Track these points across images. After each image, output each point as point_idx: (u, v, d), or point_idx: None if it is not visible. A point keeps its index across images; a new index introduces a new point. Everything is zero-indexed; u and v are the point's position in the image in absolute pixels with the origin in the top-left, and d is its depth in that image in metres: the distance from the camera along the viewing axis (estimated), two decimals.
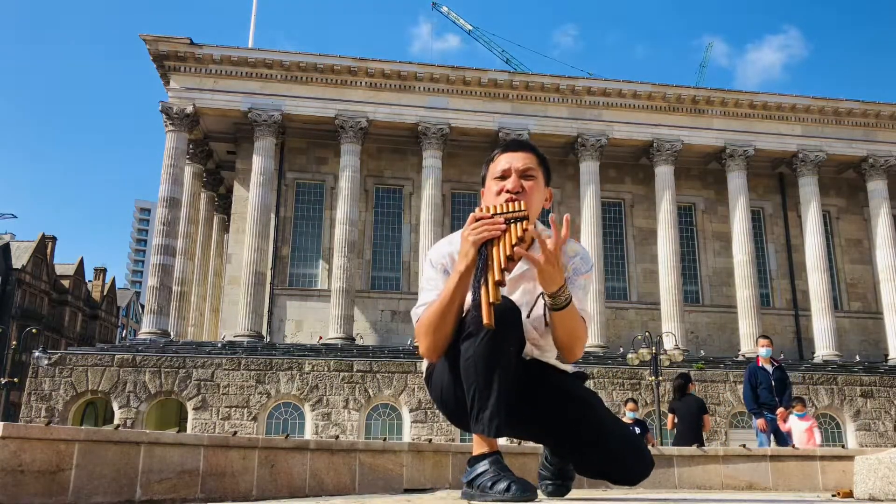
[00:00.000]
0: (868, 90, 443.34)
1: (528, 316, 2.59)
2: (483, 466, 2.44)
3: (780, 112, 32.49)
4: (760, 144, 32.06)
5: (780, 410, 10.39)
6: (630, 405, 12.81)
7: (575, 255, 2.63)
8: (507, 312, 2.40)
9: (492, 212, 2.44)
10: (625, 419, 11.98)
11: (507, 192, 2.53)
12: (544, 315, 2.55)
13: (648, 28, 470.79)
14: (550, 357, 2.70)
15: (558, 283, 2.39)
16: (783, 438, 10.49)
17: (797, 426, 11.27)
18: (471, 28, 64.08)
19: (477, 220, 2.40)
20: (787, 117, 32.54)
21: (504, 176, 2.59)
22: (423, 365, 2.76)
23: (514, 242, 2.36)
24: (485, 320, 2.27)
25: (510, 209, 2.44)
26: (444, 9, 63.76)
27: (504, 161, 2.61)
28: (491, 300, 2.27)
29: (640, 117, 31.66)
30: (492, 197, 2.59)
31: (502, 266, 2.31)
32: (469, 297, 2.40)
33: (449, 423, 2.76)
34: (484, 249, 2.36)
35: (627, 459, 2.56)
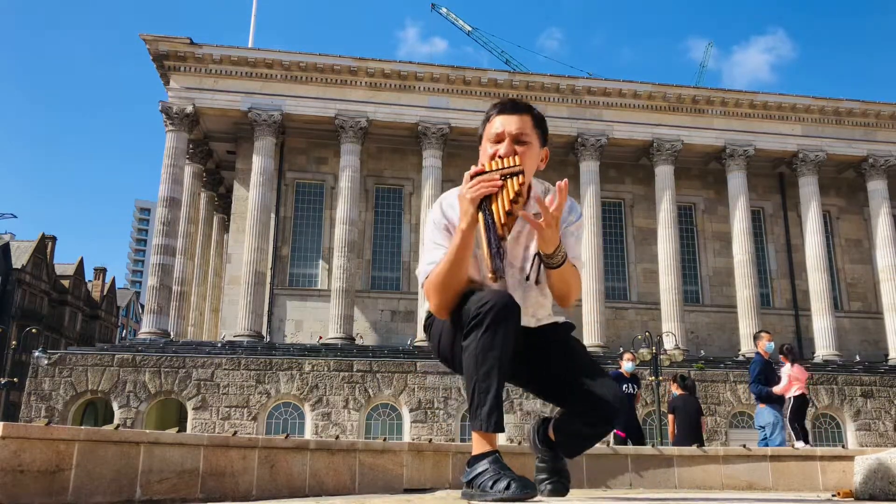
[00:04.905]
0: (859, 89, 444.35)
1: (528, 277, 2.67)
2: (483, 466, 2.45)
3: (780, 112, 32.48)
4: (760, 144, 32.05)
5: None
6: (628, 355, 12.48)
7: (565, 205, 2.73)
8: (508, 308, 2.45)
9: (487, 168, 2.49)
10: (622, 370, 11.92)
11: (500, 157, 2.57)
12: (538, 271, 2.64)
13: (633, 31, 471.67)
14: (545, 314, 2.77)
15: (555, 245, 2.50)
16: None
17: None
18: (470, 29, 64.02)
19: (473, 178, 2.46)
20: (787, 117, 32.53)
21: (498, 140, 2.62)
22: (421, 313, 2.86)
23: (511, 197, 2.43)
24: (489, 276, 2.46)
25: (506, 164, 2.49)
26: (444, 10, 63.67)
27: (499, 124, 2.64)
28: (492, 259, 2.42)
29: (640, 117, 31.64)
30: (486, 157, 2.64)
31: (502, 221, 2.41)
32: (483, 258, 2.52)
33: (447, 367, 2.83)
34: (483, 205, 2.43)
35: (609, 401, 2.63)
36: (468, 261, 2.52)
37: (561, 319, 2.82)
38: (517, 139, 2.60)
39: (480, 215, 2.43)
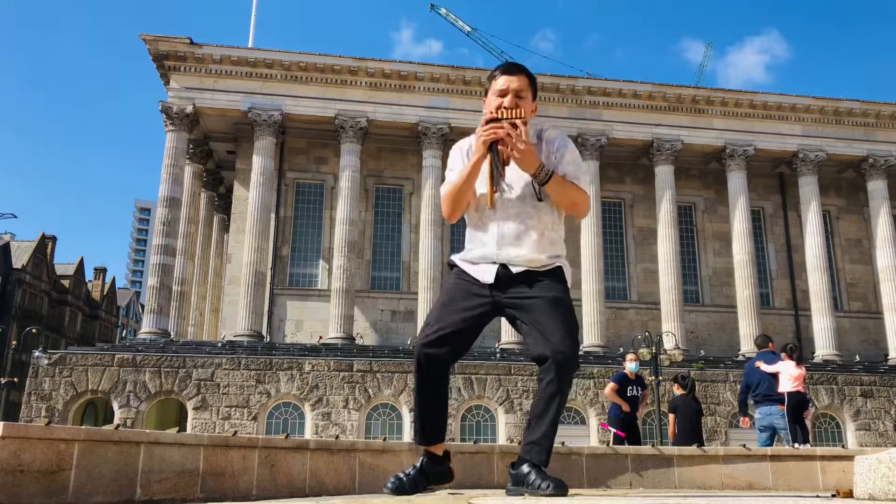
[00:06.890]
0: (855, 89, 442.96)
1: (537, 195, 3.16)
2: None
3: (781, 112, 32.47)
4: (760, 144, 32.04)
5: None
6: (631, 356, 12.44)
7: (552, 140, 3.24)
8: (428, 358, 3.06)
9: (498, 116, 3.10)
10: (626, 371, 11.84)
11: (505, 108, 3.13)
12: (538, 189, 3.14)
13: (627, 32, 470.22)
14: (536, 257, 3.13)
15: (534, 166, 3.05)
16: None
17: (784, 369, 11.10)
18: (470, 30, 63.97)
19: (487, 123, 3.08)
20: (788, 117, 32.52)
21: (502, 94, 3.19)
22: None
23: (516, 141, 3.04)
24: (488, 203, 3.09)
25: (513, 115, 3.09)
26: (443, 10, 63.60)
27: (503, 81, 3.21)
28: (494, 189, 3.09)
29: (640, 117, 31.63)
30: (493, 107, 3.19)
31: (505, 157, 3.08)
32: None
33: None
34: (492, 145, 3.07)
35: (575, 345, 3.11)
36: (473, 184, 3.12)
37: (558, 264, 3.21)
38: (517, 94, 3.17)
39: (489, 153, 3.06)
